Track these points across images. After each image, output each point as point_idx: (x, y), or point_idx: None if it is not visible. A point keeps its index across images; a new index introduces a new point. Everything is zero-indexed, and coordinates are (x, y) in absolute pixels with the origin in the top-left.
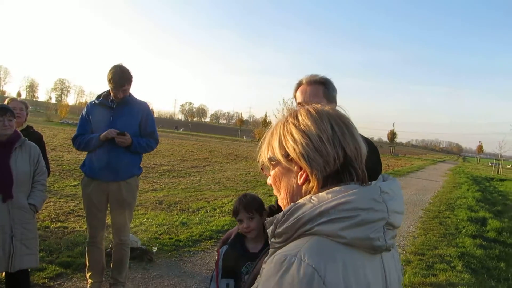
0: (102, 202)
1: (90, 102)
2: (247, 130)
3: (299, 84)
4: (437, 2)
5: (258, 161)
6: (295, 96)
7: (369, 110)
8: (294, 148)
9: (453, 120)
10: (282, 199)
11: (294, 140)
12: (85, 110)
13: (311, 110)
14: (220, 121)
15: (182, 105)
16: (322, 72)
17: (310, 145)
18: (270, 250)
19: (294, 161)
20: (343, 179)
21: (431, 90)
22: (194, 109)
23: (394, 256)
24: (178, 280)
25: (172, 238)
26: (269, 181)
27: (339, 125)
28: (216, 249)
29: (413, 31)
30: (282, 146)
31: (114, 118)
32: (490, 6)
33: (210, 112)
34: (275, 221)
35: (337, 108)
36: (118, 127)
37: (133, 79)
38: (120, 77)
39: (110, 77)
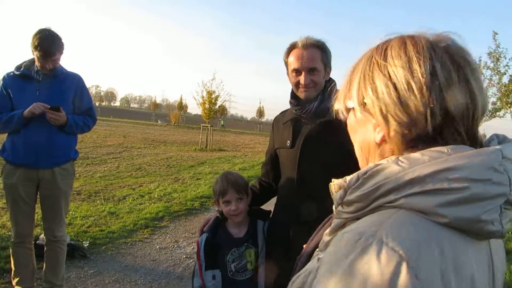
0: (31, 194)
1: (8, 74)
2: (161, 114)
3: (292, 48)
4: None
5: (335, 101)
6: (286, 62)
7: None
8: (370, 97)
9: None
10: (358, 154)
11: (373, 86)
12: (0, 83)
13: (408, 42)
14: (132, 105)
15: (88, 88)
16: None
17: (391, 95)
18: (335, 221)
19: (370, 113)
20: (441, 142)
21: None
22: (102, 93)
23: (501, 244)
24: (121, 275)
25: (103, 230)
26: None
27: (446, 66)
28: (155, 238)
29: None
30: (360, 91)
31: (41, 92)
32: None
33: (120, 96)
34: (345, 186)
35: (451, 36)
36: (47, 103)
37: (64, 47)
38: (50, 44)
39: (36, 44)
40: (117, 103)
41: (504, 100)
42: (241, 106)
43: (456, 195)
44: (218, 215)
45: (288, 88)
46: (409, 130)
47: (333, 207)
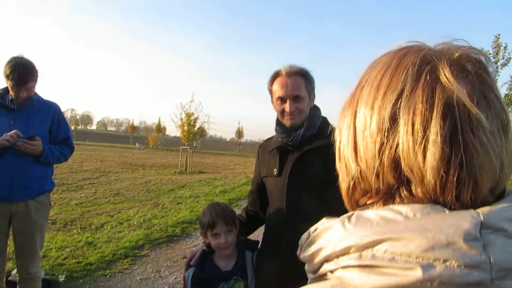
0: (3, 228)
1: None
2: (139, 137)
3: (276, 76)
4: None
5: None
6: (270, 90)
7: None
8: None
9: None
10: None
11: (342, 115)
12: None
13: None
14: (109, 128)
15: (64, 112)
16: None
17: (350, 132)
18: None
19: None
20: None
21: None
22: (78, 116)
23: None
24: None
25: (80, 262)
26: None
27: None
28: (135, 268)
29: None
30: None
31: (16, 122)
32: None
33: (96, 119)
34: (301, 242)
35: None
36: (23, 133)
37: (38, 74)
38: (23, 72)
39: (8, 73)
40: (94, 127)
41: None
42: (220, 127)
43: (397, 277)
44: (205, 248)
45: (268, 109)
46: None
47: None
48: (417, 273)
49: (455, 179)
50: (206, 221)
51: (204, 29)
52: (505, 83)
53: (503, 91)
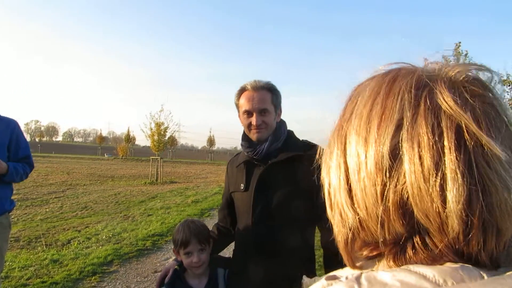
0: None
1: None
2: (108, 147)
3: (243, 91)
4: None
5: None
6: (237, 105)
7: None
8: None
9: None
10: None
11: (329, 155)
12: None
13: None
14: (76, 139)
15: (27, 124)
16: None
17: (341, 175)
18: None
19: None
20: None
21: None
22: (43, 128)
23: None
24: None
25: (45, 282)
26: None
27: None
28: (104, 285)
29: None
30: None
31: None
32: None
33: (62, 130)
34: None
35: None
36: None
37: None
38: None
39: None
40: (60, 138)
41: None
42: (191, 136)
43: None
44: (176, 266)
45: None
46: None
47: None
48: None
49: (481, 225)
50: (180, 239)
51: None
52: None
53: None
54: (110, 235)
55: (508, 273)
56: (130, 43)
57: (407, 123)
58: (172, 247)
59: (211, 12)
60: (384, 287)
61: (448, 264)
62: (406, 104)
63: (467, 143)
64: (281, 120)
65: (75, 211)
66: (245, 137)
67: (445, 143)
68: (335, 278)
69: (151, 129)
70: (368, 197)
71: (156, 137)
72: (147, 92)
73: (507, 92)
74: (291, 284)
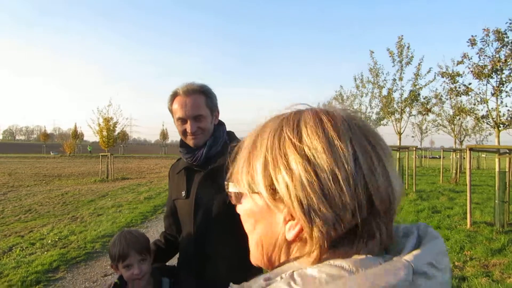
0: None
1: None
2: (54, 145)
3: (175, 96)
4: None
5: (227, 181)
6: (171, 110)
7: None
8: (287, 185)
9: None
10: (252, 247)
11: (290, 172)
12: None
13: (325, 118)
14: (18, 137)
15: None
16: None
17: (314, 185)
18: None
19: (284, 203)
20: (356, 240)
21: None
22: None
23: None
24: None
25: None
26: (237, 210)
27: (367, 151)
28: None
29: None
30: (267, 174)
31: None
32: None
33: (2, 128)
34: None
35: (352, 112)
36: None
37: None
38: None
39: None
40: None
41: (386, 110)
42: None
43: None
44: (116, 280)
45: None
46: (334, 228)
47: None
48: None
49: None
50: (117, 252)
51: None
52: (409, 80)
53: (408, 87)
54: (57, 239)
55: (394, 258)
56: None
57: (333, 143)
58: (110, 261)
59: (158, 2)
60: (314, 280)
61: (356, 257)
62: (327, 126)
63: (359, 146)
64: (220, 121)
65: (18, 215)
66: (183, 143)
67: (341, 149)
68: (270, 279)
69: (99, 124)
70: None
71: (105, 133)
72: (96, 87)
73: (446, 83)
74: None
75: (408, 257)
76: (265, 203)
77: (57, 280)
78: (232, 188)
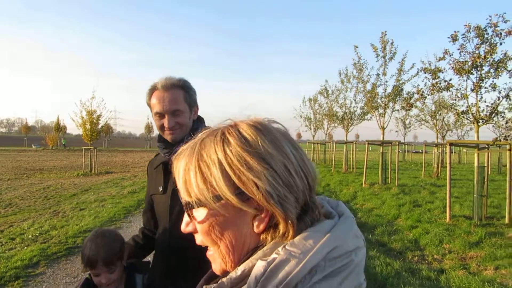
0: None
1: None
2: (36, 138)
3: (153, 90)
4: None
5: (187, 204)
6: (149, 105)
7: None
8: (256, 184)
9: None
10: (221, 256)
11: (254, 174)
12: None
13: (260, 127)
14: None
15: None
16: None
17: (277, 178)
18: None
19: (252, 203)
20: (307, 216)
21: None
22: None
23: None
24: None
25: None
26: (189, 228)
27: (295, 147)
28: None
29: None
30: (229, 181)
31: None
32: None
33: None
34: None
35: (270, 119)
36: None
37: None
38: None
39: None
40: None
41: (370, 105)
42: (129, 123)
43: (348, 269)
44: (87, 276)
45: None
46: (296, 208)
47: None
48: (354, 261)
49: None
50: (85, 259)
51: (96, 23)
52: (392, 75)
53: (391, 82)
54: (37, 234)
55: (319, 224)
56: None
57: (279, 146)
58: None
59: None
60: (305, 246)
61: (306, 232)
62: (268, 134)
63: (290, 144)
64: (199, 117)
65: None
66: (160, 138)
67: (284, 149)
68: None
69: (82, 117)
70: None
71: (88, 126)
72: (80, 78)
73: (428, 79)
74: None
75: (346, 213)
76: (231, 209)
77: (37, 275)
78: (196, 208)
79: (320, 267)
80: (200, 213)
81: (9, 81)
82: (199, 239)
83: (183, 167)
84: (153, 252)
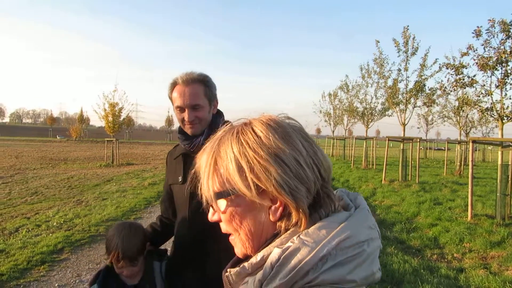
0: None
1: None
2: (60, 129)
3: (174, 84)
4: None
5: (200, 195)
6: (171, 98)
7: None
8: (269, 178)
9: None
10: (242, 242)
11: (266, 168)
12: None
13: (273, 124)
14: (24, 121)
15: None
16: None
17: (288, 172)
18: None
19: (267, 194)
20: (321, 207)
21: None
22: None
23: None
24: None
25: None
26: (215, 217)
27: (307, 141)
28: (53, 274)
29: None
30: (243, 175)
31: None
32: None
33: (9, 111)
34: (260, 278)
35: (283, 115)
36: None
37: None
38: None
39: None
40: (7, 119)
41: (391, 100)
42: (150, 116)
43: (359, 258)
44: (108, 263)
45: None
46: (307, 198)
47: None
48: (366, 251)
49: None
50: (111, 251)
51: (120, 14)
52: (415, 70)
53: (413, 78)
54: (62, 222)
55: (335, 215)
56: (84, 18)
57: (292, 141)
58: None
59: None
60: (318, 235)
61: (320, 222)
62: (280, 131)
63: (303, 139)
64: (218, 111)
65: (24, 197)
66: (181, 130)
67: (296, 143)
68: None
69: (105, 110)
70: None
71: (110, 118)
72: (105, 70)
73: (451, 75)
74: None
75: (362, 205)
76: (248, 200)
77: (62, 261)
78: (217, 200)
79: (332, 255)
80: (221, 204)
81: (33, 72)
82: (224, 228)
83: (204, 163)
84: (171, 239)
